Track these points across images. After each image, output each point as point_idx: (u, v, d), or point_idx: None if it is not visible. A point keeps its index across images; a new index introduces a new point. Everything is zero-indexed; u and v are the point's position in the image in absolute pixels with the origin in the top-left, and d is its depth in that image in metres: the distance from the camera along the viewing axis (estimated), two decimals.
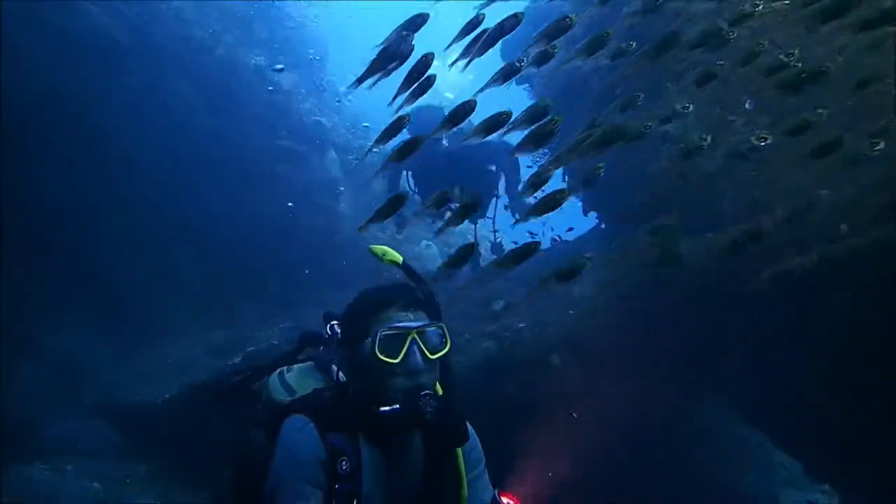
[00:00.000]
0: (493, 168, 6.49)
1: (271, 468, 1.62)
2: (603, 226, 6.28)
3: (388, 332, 1.65)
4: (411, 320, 1.70)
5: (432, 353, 1.68)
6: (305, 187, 8.18)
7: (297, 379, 1.95)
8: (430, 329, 1.71)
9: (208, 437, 5.12)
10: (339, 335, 1.91)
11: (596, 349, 5.33)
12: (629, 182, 5.03)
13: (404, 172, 6.61)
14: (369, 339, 1.66)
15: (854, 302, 3.13)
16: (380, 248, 2.00)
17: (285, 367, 2.02)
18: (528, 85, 6.93)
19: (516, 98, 7.31)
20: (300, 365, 2.03)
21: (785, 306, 3.65)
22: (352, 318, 1.80)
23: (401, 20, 2.72)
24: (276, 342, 6.06)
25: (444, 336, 1.73)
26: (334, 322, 2.01)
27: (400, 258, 1.96)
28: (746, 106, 3.96)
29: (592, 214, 6.32)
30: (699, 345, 4.49)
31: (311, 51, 9.23)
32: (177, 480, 5.29)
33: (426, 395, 1.61)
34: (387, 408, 1.61)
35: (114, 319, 6.49)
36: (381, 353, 1.63)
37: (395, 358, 1.63)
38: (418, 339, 1.67)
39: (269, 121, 7.80)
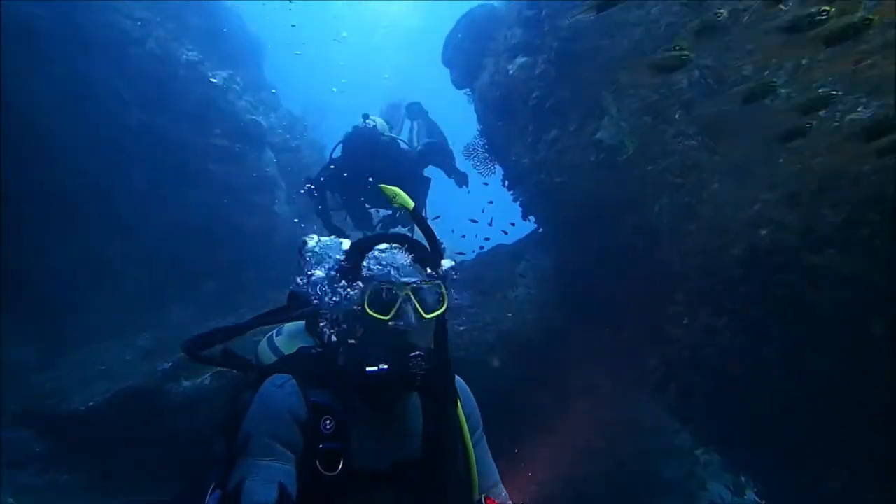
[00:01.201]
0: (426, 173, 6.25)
1: (243, 422, 1.52)
2: (541, 230, 6.43)
3: (380, 287, 1.55)
4: (407, 275, 1.59)
5: (427, 313, 1.58)
6: (241, 186, 7.95)
7: (286, 341, 1.86)
8: (425, 286, 1.60)
9: (134, 443, 4.97)
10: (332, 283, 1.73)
11: (532, 348, 5.47)
12: (565, 188, 5.17)
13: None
14: (356, 292, 1.57)
15: (766, 302, 3.35)
16: (391, 189, 1.83)
17: (275, 331, 1.91)
18: (469, 89, 7.01)
19: (458, 103, 7.39)
20: (290, 326, 1.91)
21: (708, 304, 3.86)
22: (346, 265, 1.67)
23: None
24: None
25: (441, 295, 1.63)
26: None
27: (411, 203, 1.80)
28: (676, 116, 4.16)
29: (532, 218, 6.45)
30: (630, 342, 4.66)
31: (248, 48, 9.00)
32: (98, 490, 5.04)
33: (416, 355, 1.51)
34: (374, 368, 1.51)
35: (38, 322, 6.10)
36: (371, 309, 1.54)
37: (386, 315, 1.54)
38: (412, 297, 1.56)
39: (204, 117, 7.52)
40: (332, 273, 1.70)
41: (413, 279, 1.58)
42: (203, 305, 7.01)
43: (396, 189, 1.82)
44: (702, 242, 3.90)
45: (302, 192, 6.00)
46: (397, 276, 1.58)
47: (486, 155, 6.75)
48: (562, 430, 5.07)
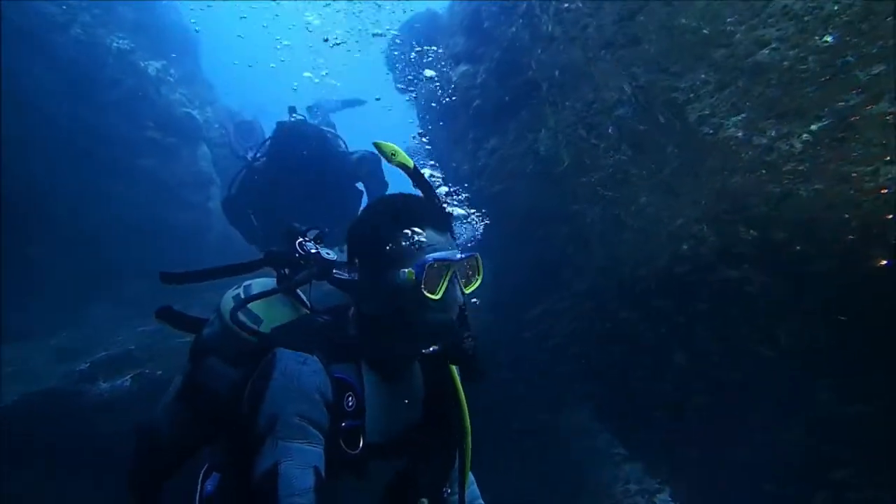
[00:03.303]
0: (360, 185, 5.31)
1: (266, 400, 1.37)
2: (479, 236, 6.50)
3: (433, 263, 1.45)
4: (449, 248, 1.52)
5: (467, 287, 1.55)
6: (174, 182, 7.65)
7: (263, 305, 1.68)
8: (468, 261, 1.55)
9: (43, 446, 4.70)
10: (352, 255, 1.61)
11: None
12: (503, 196, 5.26)
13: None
14: (406, 268, 1.44)
15: (686, 312, 3.52)
16: (389, 147, 1.71)
17: (241, 293, 1.71)
18: (412, 95, 7.02)
19: (401, 106, 7.39)
20: (258, 289, 1.71)
21: (634, 311, 4.03)
22: (373, 237, 1.53)
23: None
24: (132, 347, 5.60)
25: (478, 267, 1.59)
26: (305, 240, 1.74)
27: (411, 162, 1.70)
28: (609, 132, 4.31)
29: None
30: (556, 351, 4.79)
31: (184, 40, 8.69)
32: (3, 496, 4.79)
33: (468, 336, 1.50)
34: (429, 349, 1.49)
35: None
36: (426, 289, 1.44)
37: (436, 294, 1.45)
38: (458, 273, 1.51)
39: (133, 109, 7.20)
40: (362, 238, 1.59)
41: (460, 255, 1.52)
42: (127, 305, 6.69)
43: (396, 147, 1.71)
44: (630, 253, 4.06)
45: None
46: (446, 253, 1.49)
47: (428, 160, 6.77)
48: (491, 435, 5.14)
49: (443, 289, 1.45)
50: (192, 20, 9.18)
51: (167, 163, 7.57)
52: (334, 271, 1.67)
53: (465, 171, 5.82)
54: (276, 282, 1.74)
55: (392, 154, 1.69)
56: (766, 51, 3.25)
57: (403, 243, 1.47)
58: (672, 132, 3.79)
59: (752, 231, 3.10)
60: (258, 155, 5.07)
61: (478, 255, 1.57)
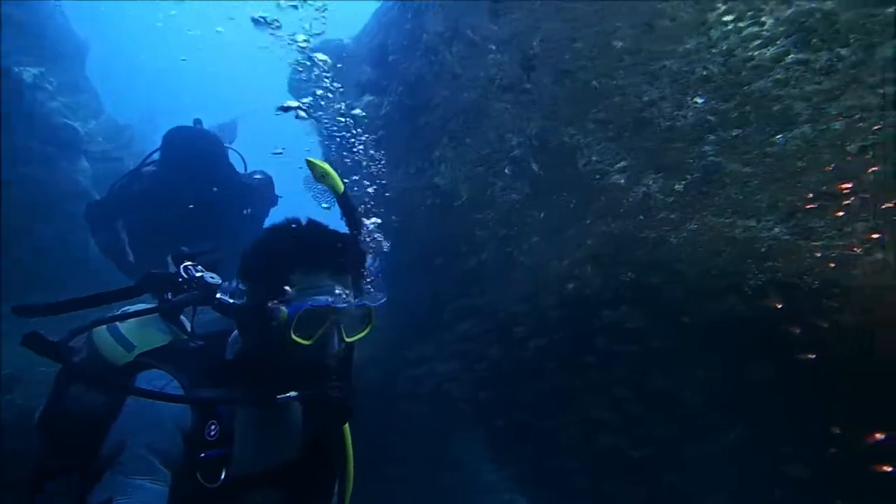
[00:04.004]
0: (248, 211, 4.75)
1: (114, 427, 1.29)
2: (376, 266, 6.45)
3: (310, 309, 1.37)
4: (337, 294, 1.43)
5: (349, 336, 1.46)
6: (48, 195, 7.00)
7: (138, 331, 1.60)
8: (355, 310, 1.46)
9: None
10: (243, 280, 1.53)
11: (365, 383, 5.40)
12: (403, 228, 5.25)
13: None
14: (283, 308, 1.37)
15: (570, 350, 3.64)
16: (321, 166, 1.59)
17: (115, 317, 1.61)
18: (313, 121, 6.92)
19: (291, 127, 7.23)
20: (134, 312, 1.63)
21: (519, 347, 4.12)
22: (261, 267, 1.47)
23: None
24: None
25: (368, 317, 1.50)
26: (189, 263, 1.64)
27: (341, 186, 1.61)
28: (506, 171, 4.44)
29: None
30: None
31: (68, 48, 8.07)
32: None
33: (334, 385, 1.40)
34: (284, 395, 1.39)
35: None
36: (296, 333, 1.36)
37: (309, 339, 1.38)
38: (340, 321, 1.42)
39: (5, 117, 6.54)
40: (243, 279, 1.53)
41: (344, 304, 1.43)
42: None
43: (327, 166, 1.62)
44: (521, 290, 4.15)
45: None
46: (330, 300, 1.41)
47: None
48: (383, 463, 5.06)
49: (318, 335, 1.39)
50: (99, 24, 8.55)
51: (41, 174, 6.91)
52: (219, 296, 1.58)
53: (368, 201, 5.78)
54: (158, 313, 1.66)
55: (322, 175, 1.63)
56: (648, 107, 3.50)
57: (290, 281, 1.41)
58: (564, 175, 3.96)
59: (629, 274, 3.27)
60: (147, 161, 4.58)
61: (369, 304, 1.51)
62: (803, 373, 2.52)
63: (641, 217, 3.30)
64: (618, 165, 3.62)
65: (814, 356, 2.47)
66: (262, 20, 4.94)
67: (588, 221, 3.70)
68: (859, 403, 2.39)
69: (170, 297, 1.65)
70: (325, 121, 6.43)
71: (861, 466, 2.35)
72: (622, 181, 3.55)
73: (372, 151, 5.50)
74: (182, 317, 1.69)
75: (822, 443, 2.52)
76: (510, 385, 4.22)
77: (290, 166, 5.53)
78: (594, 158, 3.82)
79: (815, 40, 2.82)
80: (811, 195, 2.63)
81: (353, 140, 5.49)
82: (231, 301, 1.56)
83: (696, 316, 2.92)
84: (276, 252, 1.47)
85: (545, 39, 4.24)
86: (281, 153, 5.53)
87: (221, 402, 1.41)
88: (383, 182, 5.59)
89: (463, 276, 4.63)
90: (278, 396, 1.41)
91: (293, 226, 1.51)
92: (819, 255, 2.48)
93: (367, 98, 5.76)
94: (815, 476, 2.62)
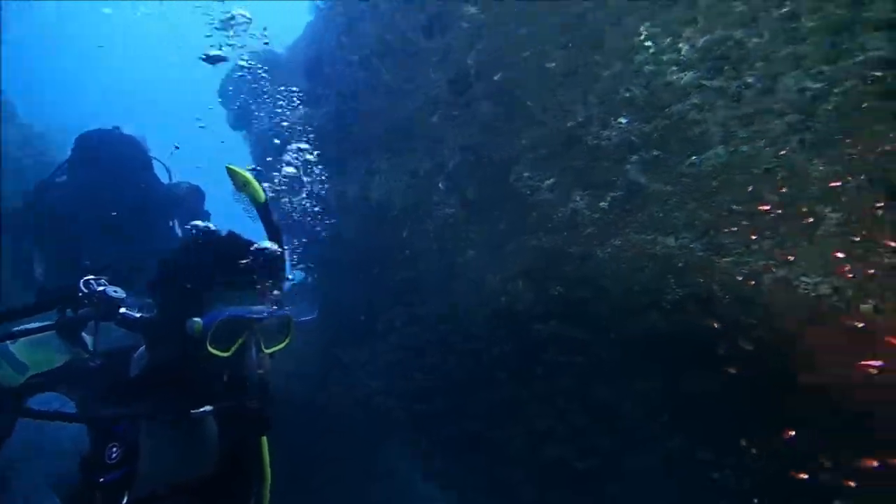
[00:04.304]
0: (173, 223, 4.45)
1: (8, 451, 1.26)
2: (309, 279, 6.38)
3: (227, 320, 1.34)
4: (254, 304, 1.40)
5: (268, 347, 1.43)
6: None
7: (30, 351, 1.52)
8: (274, 320, 1.43)
9: None
10: (151, 293, 1.48)
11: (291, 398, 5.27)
12: (336, 239, 5.20)
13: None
14: (198, 320, 1.33)
15: (504, 364, 3.69)
16: (242, 175, 1.54)
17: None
18: (245, 131, 6.77)
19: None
20: (27, 331, 1.56)
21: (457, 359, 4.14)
22: (176, 277, 1.42)
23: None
24: None
25: (287, 327, 1.48)
26: (90, 277, 1.56)
27: (263, 196, 1.56)
28: (440, 186, 4.46)
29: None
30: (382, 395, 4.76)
31: None
32: None
33: (252, 397, 1.37)
34: (200, 410, 1.34)
35: None
36: (212, 345, 1.33)
37: (226, 351, 1.35)
38: (257, 332, 1.40)
39: None
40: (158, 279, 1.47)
41: (262, 314, 1.40)
42: None
43: (249, 175, 1.56)
44: (459, 303, 4.17)
45: None
46: (245, 311, 1.38)
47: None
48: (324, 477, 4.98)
49: (235, 346, 1.37)
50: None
51: None
52: (123, 310, 1.51)
53: (300, 213, 5.68)
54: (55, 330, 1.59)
55: (244, 184, 1.58)
56: (577, 127, 3.60)
57: (206, 291, 1.39)
58: (498, 190, 4.02)
59: (559, 288, 3.35)
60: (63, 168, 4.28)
61: (289, 315, 1.49)
62: (734, 384, 2.64)
63: (566, 233, 3.39)
64: (547, 183, 3.70)
65: (735, 370, 2.59)
66: (211, 57, 4.79)
67: (524, 237, 3.76)
68: (783, 412, 2.51)
69: (69, 313, 1.58)
70: (256, 130, 6.31)
71: (788, 475, 2.46)
72: (551, 197, 3.64)
73: (309, 156, 5.42)
74: (84, 333, 1.61)
75: (756, 452, 2.64)
76: (448, 395, 4.23)
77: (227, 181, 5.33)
78: (525, 174, 3.89)
79: (726, 67, 3.00)
80: (724, 213, 2.78)
81: (287, 149, 5.39)
82: (138, 315, 1.51)
83: (620, 332, 3.02)
84: (191, 263, 1.44)
85: (480, 59, 4.29)
86: (200, 167, 5.29)
87: (122, 418, 1.36)
88: (319, 192, 5.52)
89: (398, 285, 4.63)
90: (193, 411, 1.37)
91: (209, 236, 1.49)
92: (729, 271, 2.62)
93: (302, 110, 5.67)
94: (752, 486, 2.73)
